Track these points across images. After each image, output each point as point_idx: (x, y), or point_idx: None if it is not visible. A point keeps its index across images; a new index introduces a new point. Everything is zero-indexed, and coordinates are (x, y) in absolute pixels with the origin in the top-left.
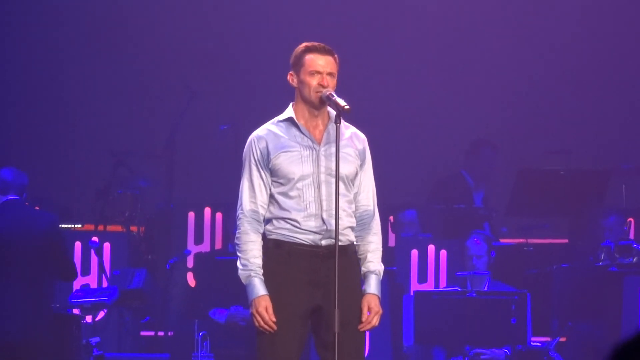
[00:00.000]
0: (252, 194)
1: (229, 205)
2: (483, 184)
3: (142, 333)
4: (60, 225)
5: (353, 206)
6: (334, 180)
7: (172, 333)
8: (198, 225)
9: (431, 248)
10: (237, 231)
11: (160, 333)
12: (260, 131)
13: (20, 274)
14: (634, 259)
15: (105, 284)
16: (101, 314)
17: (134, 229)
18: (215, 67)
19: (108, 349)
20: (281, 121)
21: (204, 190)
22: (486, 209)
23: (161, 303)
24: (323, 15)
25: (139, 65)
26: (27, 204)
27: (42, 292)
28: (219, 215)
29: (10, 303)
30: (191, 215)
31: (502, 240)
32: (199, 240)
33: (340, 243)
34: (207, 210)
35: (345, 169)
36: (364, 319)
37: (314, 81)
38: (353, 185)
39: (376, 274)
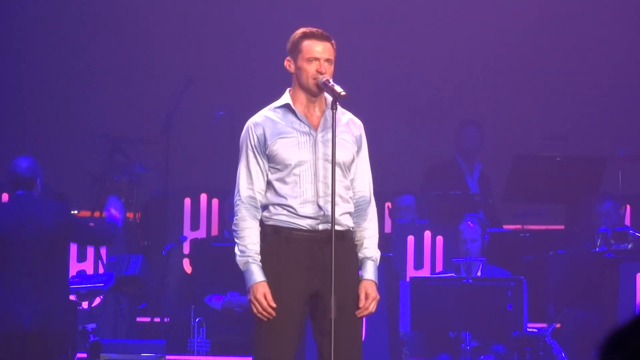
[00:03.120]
0: (250, 180)
1: (225, 191)
2: (475, 166)
3: (138, 319)
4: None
5: (350, 192)
6: (331, 166)
7: (168, 319)
8: (194, 212)
9: (427, 234)
10: (234, 218)
11: (157, 319)
12: (257, 117)
13: (31, 265)
14: (630, 245)
15: (101, 270)
16: (97, 300)
17: (130, 215)
18: (212, 53)
19: (104, 335)
20: (278, 107)
21: (200, 177)
22: (482, 195)
23: (157, 289)
24: (319, 1)
25: (135, 51)
26: (37, 195)
27: (55, 282)
28: (215, 202)
29: (22, 294)
30: (187, 201)
31: (504, 227)
32: (195, 226)
33: (338, 228)
34: (204, 197)
35: (343, 155)
36: (361, 305)
37: (311, 68)
38: (350, 171)
39: (373, 260)
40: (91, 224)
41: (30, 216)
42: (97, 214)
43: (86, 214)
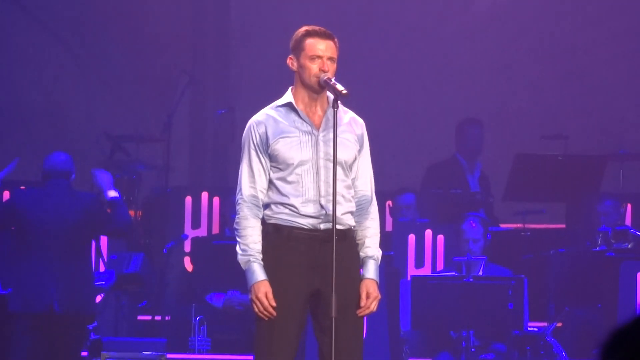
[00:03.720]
0: (252, 179)
1: (226, 189)
2: (476, 165)
3: (139, 317)
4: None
5: (352, 191)
6: (332, 165)
7: (169, 317)
8: (195, 210)
9: (428, 233)
10: (236, 216)
11: (158, 317)
12: (259, 116)
13: (61, 249)
14: (630, 245)
15: (102, 268)
16: (98, 298)
17: (131, 213)
18: (213, 51)
19: (105, 333)
20: (280, 106)
21: (201, 175)
22: (483, 194)
23: (158, 287)
24: (320, 0)
25: (136, 49)
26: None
27: (83, 268)
28: (216, 200)
29: (52, 277)
30: (188, 199)
31: (501, 225)
32: (196, 224)
33: (340, 227)
34: (205, 195)
35: (344, 155)
36: (362, 304)
37: (314, 66)
38: (351, 170)
39: (374, 259)
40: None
41: (63, 202)
42: None
43: None
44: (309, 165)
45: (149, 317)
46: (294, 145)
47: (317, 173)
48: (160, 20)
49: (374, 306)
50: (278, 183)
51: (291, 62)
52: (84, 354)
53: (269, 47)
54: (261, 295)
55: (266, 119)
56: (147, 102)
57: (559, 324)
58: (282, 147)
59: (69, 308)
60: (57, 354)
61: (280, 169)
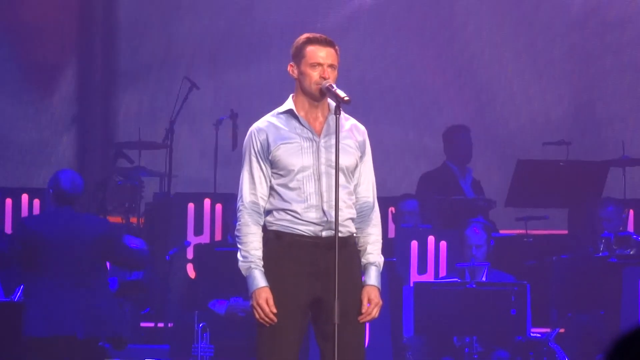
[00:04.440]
0: (252, 185)
1: (228, 196)
2: (467, 170)
3: (142, 324)
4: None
5: (353, 197)
6: (334, 171)
7: (172, 324)
8: (198, 217)
9: (431, 239)
10: (237, 223)
11: (160, 324)
12: (260, 123)
13: (77, 275)
14: (633, 251)
15: None
16: None
17: (133, 220)
18: (215, 57)
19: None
20: (281, 113)
21: (203, 182)
22: (485, 200)
23: (161, 294)
24: (322, 6)
25: (137, 55)
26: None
27: (101, 291)
28: (218, 207)
29: (71, 302)
30: (191, 206)
31: (501, 231)
32: (198, 231)
33: (340, 234)
34: (207, 202)
35: (345, 161)
36: (364, 311)
37: (315, 73)
38: (353, 176)
39: (376, 266)
40: (133, 245)
41: (75, 228)
42: None
43: None
44: (310, 172)
45: (152, 324)
46: (295, 151)
47: (319, 179)
48: (162, 26)
49: (375, 312)
50: (280, 189)
51: (292, 70)
52: None
53: (271, 54)
54: (262, 302)
55: (267, 126)
56: (149, 109)
57: (562, 330)
58: (282, 153)
59: (91, 333)
60: None
61: (282, 175)
